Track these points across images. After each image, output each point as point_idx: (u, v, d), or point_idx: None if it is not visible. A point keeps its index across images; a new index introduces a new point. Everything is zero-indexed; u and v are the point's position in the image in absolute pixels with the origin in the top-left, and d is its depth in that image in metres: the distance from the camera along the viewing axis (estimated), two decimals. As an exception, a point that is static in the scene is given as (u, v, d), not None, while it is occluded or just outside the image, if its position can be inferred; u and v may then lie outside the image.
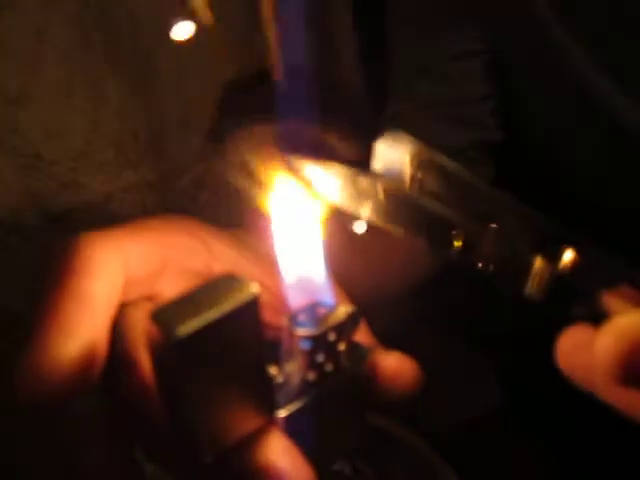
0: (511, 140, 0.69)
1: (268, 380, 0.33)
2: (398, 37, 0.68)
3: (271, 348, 0.34)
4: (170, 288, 0.38)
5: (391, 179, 0.32)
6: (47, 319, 0.33)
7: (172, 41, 0.52)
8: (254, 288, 0.30)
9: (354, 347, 0.35)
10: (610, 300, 0.31)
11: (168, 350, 0.29)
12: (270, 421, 0.33)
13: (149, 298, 0.38)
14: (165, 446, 0.33)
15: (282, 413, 0.33)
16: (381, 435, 0.55)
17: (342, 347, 0.34)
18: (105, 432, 0.34)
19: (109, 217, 0.50)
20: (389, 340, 0.39)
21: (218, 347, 0.30)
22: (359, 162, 0.32)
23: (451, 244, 0.34)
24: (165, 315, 0.29)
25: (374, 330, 0.40)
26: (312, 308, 0.34)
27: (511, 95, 0.67)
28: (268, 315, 0.33)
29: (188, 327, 0.28)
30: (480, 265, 0.34)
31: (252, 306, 0.30)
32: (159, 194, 0.53)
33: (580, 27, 0.59)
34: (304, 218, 0.34)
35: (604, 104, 0.60)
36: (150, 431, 0.34)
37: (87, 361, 0.32)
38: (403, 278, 0.66)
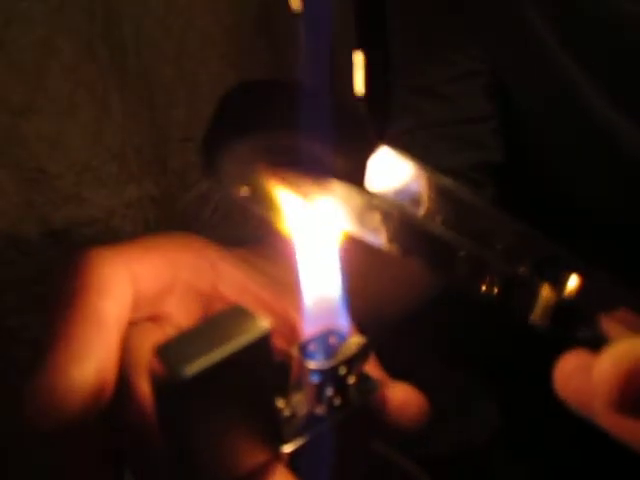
0: (512, 159, 0.69)
1: (275, 415, 0.32)
2: (400, 56, 0.68)
3: (278, 377, 0.33)
4: (176, 308, 0.37)
5: (392, 199, 0.32)
6: (59, 341, 0.31)
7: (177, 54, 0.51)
8: (265, 323, 0.29)
9: (363, 380, 0.34)
10: (609, 324, 0.31)
11: (172, 389, 0.28)
12: (275, 456, 0.32)
13: (154, 318, 0.37)
14: (160, 474, 0.32)
15: (287, 448, 0.32)
16: (377, 461, 0.54)
17: (352, 380, 0.33)
18: (97, 451, 0.33)
19: (111, 232, 0.49)
20: (387, 368, 0.38)
21: (225, 386, 0.28)
22: (357, 180, 0.31)
23: (455, 267, 0.33)
24: (170, 352, 0.28)
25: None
26: (324, 338, 0.33)
27: (512, 114, 0.67)
28: (275, 340, 0.32)
29: (194, 367, 0.27)
30: (484, 289, 0.33)
31: (263, 343, 0.28)
32: (162, 210, 0.52)
33: (579, 46, 0.59)
34: (321, 239, 0.33)
35: (603, 124, 0.60)
36: (144, 457, 0.33)
37: (100, 385, 0.31)
38: (402, 298, 0.66)
